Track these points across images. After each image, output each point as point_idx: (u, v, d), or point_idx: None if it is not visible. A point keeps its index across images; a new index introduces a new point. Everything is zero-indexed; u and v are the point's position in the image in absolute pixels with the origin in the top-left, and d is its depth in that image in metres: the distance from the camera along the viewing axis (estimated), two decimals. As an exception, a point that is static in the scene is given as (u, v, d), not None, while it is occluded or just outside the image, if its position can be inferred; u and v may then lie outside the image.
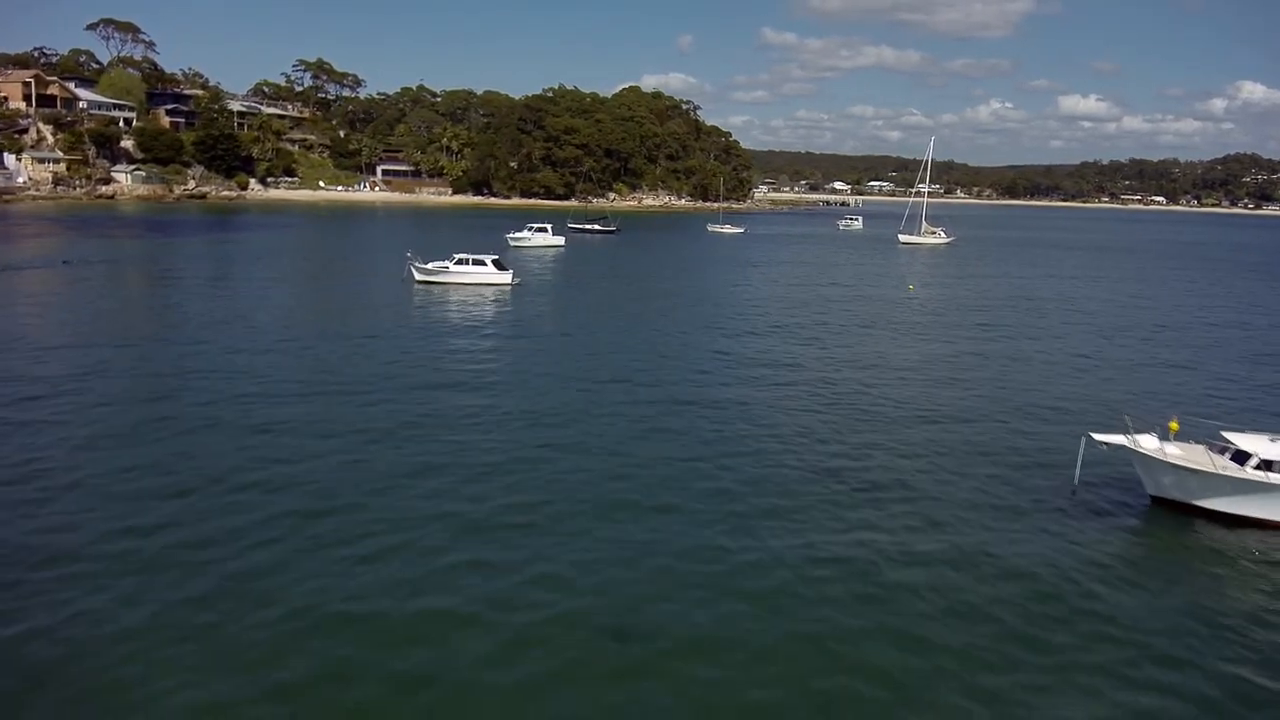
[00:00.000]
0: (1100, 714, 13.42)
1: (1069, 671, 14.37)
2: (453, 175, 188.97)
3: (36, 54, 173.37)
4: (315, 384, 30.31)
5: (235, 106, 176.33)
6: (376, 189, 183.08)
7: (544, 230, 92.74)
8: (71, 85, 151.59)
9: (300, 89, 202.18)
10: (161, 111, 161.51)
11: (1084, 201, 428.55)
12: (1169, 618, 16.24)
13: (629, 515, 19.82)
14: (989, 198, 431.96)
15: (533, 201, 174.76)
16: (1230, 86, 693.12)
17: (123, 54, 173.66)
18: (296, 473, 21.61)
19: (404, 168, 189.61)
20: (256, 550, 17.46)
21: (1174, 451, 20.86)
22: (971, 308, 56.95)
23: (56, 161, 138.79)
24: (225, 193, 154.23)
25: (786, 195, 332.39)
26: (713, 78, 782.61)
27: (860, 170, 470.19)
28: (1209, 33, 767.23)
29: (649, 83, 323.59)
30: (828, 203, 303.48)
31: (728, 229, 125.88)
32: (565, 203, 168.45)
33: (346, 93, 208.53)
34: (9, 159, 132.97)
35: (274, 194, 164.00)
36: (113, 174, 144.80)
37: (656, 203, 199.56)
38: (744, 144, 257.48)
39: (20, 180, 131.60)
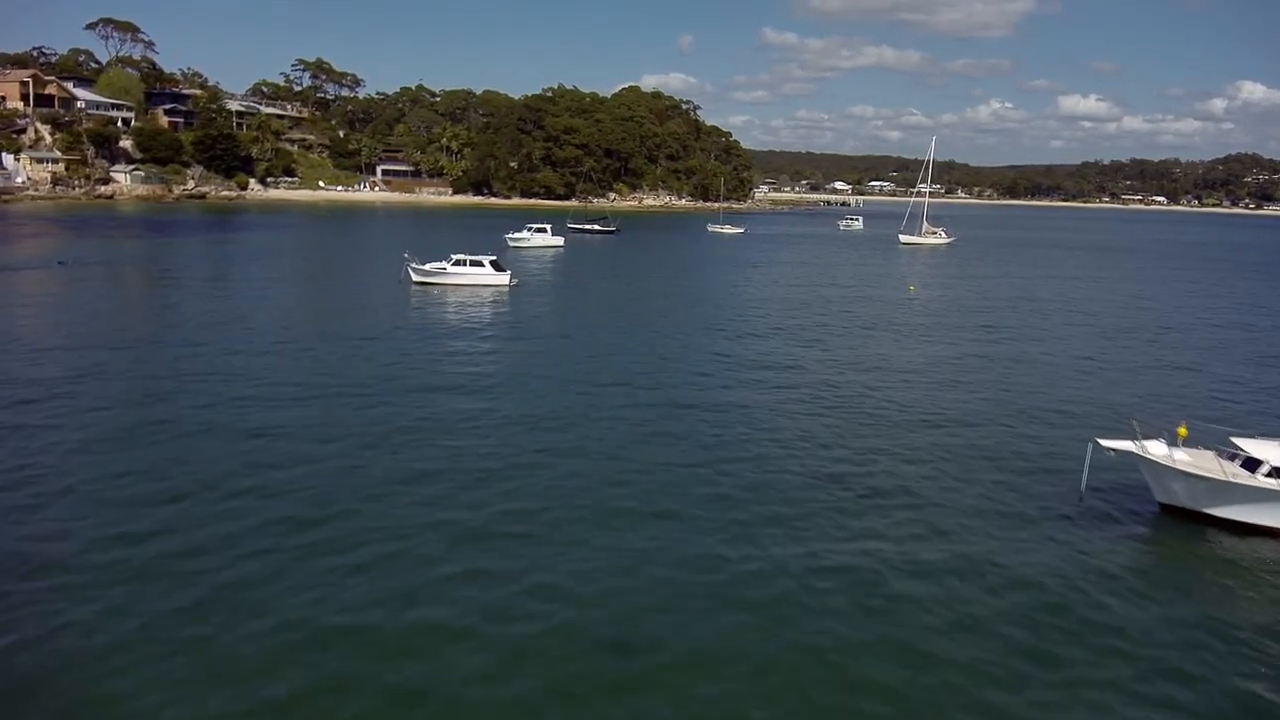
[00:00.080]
0: (1111, 730, 13.12)
1: (1078, 687, 14.05)
2: (452, 175, 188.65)
3: (35, 54, 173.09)
4: (311, 386, 29.99)
5: (234, 106, 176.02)
6: (376, 189, 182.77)
7: (543, 231, 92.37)
8: (70, 85, 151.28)
9: (299, 89, 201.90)
10: (160, 111, 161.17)
11: (1085, 201, 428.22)
12: (1180, 630, 15.91)
13: (628, 522, 19.51)
14: (990, 198, 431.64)
15: (533, 201, 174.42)
16: (1230, 86, 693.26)
17: (121, 54, 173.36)
18: (291, 478, 21.29)
19: (404, 168, 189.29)
20: (250, 559, 17.14)
21: (1183, 458, 20.54)
22: (973, 309, 56.64)
23: (55, 161, 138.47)
24: (224, 193, 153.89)
25: (787, 195, 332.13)
26: (713, 78, 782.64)
27: (861, 170, 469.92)
28: (1209, 33, 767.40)
29: (649, 83, 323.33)
30: (828, 203, 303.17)
31: (728, 229, 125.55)
32: (565, 203, 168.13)
33: (346, 92, 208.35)
34: (7, 159, 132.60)
35: (273, 194, 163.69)
36: (111, 174, 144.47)
37: (657, 203, 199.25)
38: (744, 144, 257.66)
39: (19, 180, 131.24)
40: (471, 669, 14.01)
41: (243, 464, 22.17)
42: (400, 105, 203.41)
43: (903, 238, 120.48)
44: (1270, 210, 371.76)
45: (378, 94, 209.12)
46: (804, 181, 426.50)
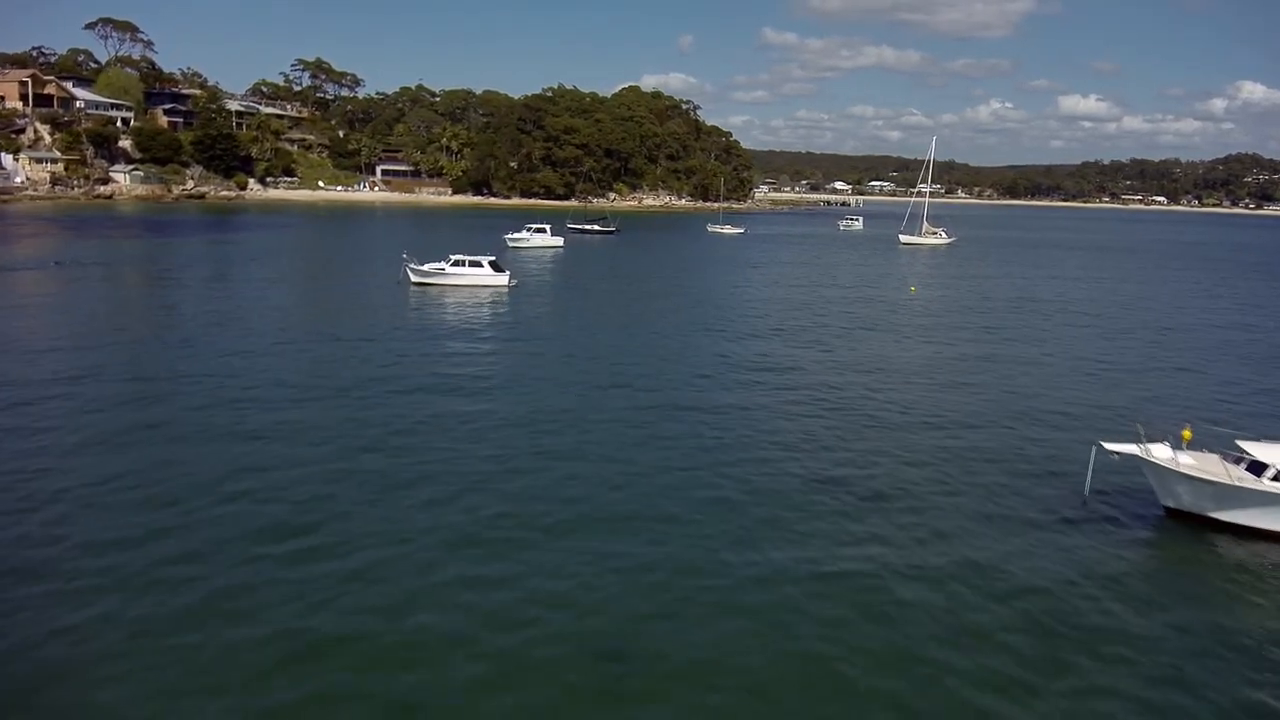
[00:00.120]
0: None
1: (1087, 696, 13.81)
2: (452, 175, 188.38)
3: (35, 53, 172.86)
4: (308, 388, 29.75)
5: (234, 106, 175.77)
6: (376, 189, 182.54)
7: (542, 231, 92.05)
8: (69, 85, 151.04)
9: (299, 89, 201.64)
10: (160, 111, 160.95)
11: (1085, 201, 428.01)
12: (1188, 637, 15.66)
13: (628, 526, 19.26)
14: (990, 198, 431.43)
15: (533, 201, 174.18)
16: (1230, 86, 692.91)
17: (121, 53, 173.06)
18: (286, 482, 21.05)
19: (403, 168, 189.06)
20: (243, 565, 16.89)
21: (1188, 462, 20.30)
22: (974, 310, 56.40)
23: (54, 161, 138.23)
24: (224, 193, 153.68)
25: (787, 195, 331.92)
26: (713, 78, 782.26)
27: (861, 170, 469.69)
28: (1209, 33, 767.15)
29: (649, 83, 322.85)
30: (828, 203, 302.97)
31: (728, 229, 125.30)
32: (565, 203, 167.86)
33: (345, 92, 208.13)
34: (6, 159, 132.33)
35: (273, 194, 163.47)
36: (111, 174, 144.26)
37: (657, 203, 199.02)
38: (744, 144, 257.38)
39: (18, 180, 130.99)
40: (469, 678, 13.78)
41: (237, 467, 21.92)
42: (400, 105, 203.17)
43: (903, 238, 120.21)
44: (1270, 210, 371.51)
45: (377, 94, 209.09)
46: (804, 181, 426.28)
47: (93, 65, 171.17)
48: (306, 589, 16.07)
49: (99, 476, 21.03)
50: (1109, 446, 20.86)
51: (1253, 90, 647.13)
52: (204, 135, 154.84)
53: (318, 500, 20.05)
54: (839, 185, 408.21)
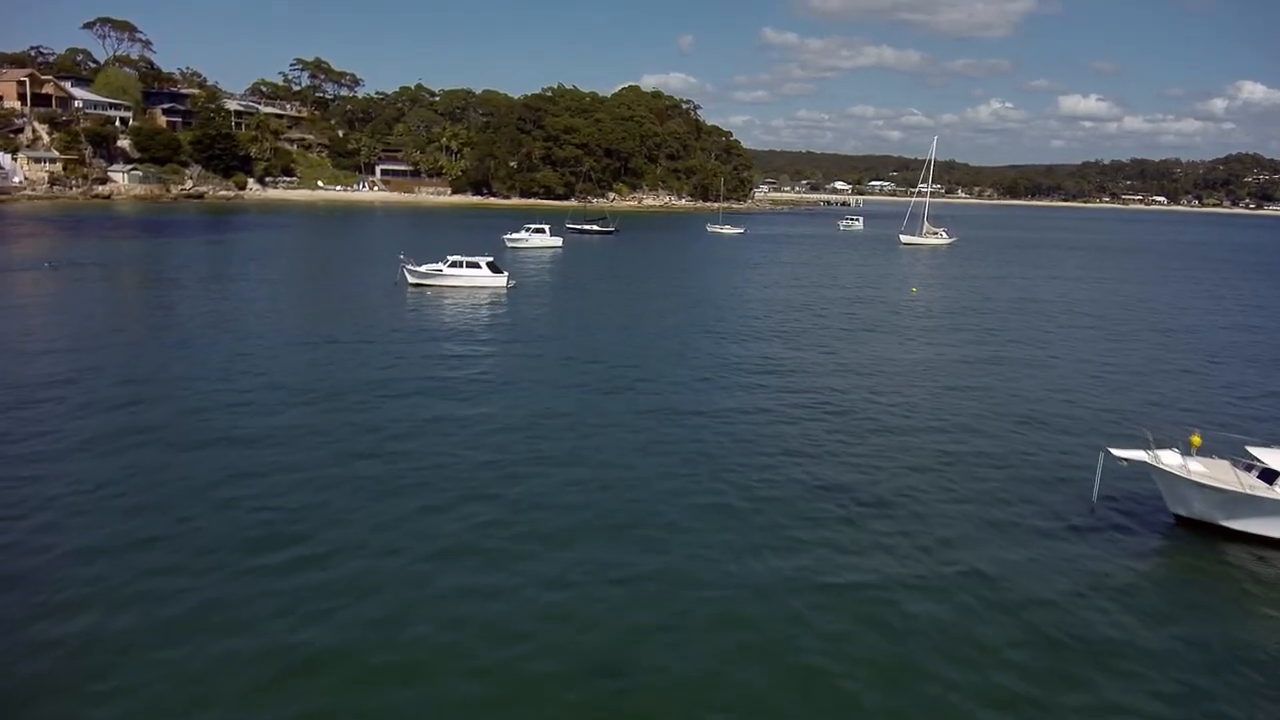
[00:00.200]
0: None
1: (1098, 714, 13.42)
2: (452, 175, 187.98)
3: (33, 53, 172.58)
4: (303, 391, 29.36)
5: (233, 106, 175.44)
6: (375, 189, 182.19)
7: (541, 231, 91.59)
8: (67, 84, 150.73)
9: (298, 88, 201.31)
10: (158, 111, 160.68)
11: (1085, 201, 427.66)
12: (1202, 651, 15.27)
13: (628, 535, 18.86)
14: (990, 197, 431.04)
15: (532, 201, 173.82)
16: (1231, 86, 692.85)
17: (119, 53, 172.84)
18: (280, 489, 20.65)
19: (403, 167, 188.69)
20: (234, 576, 16.49)
21: (1198, 469, 19.90)
22: (976, 311, 56.00)
23: (52, 161, 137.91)
24: (223, 192, 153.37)
25: (787, 195, 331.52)
26: (713, 78, 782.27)
27: (861, 170, 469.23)
28: (1209, 33, 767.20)
29: (649, 82, 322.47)
30: (828, 202, 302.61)
31: (727, 229, 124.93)
32: (565, 203, 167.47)
33: (345, 92, 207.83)
34: (4, 159, 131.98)
35: (272, 194, 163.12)
36: (109, 174, 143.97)
37: (656, 203, 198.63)
38: (745, 144, 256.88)
39: (16, 180, 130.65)
40: (465, 695, 13.40)
41: (231, 473, 21.53)
42: (400, 105, 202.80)
43: (903, 238, 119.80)
44: (1270, 210, 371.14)
45: (377, 94, 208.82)
46: (804, 181, 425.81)
47: (91, 65, 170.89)
48: (299, 601, 15.69)
49: (90, 482, 20.66)
50: (1117, 453, 20.47)
51: (1253, 90, 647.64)
52: (203, 135, 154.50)
53: (311, 508, 19.66)
54: (839, 185, 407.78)
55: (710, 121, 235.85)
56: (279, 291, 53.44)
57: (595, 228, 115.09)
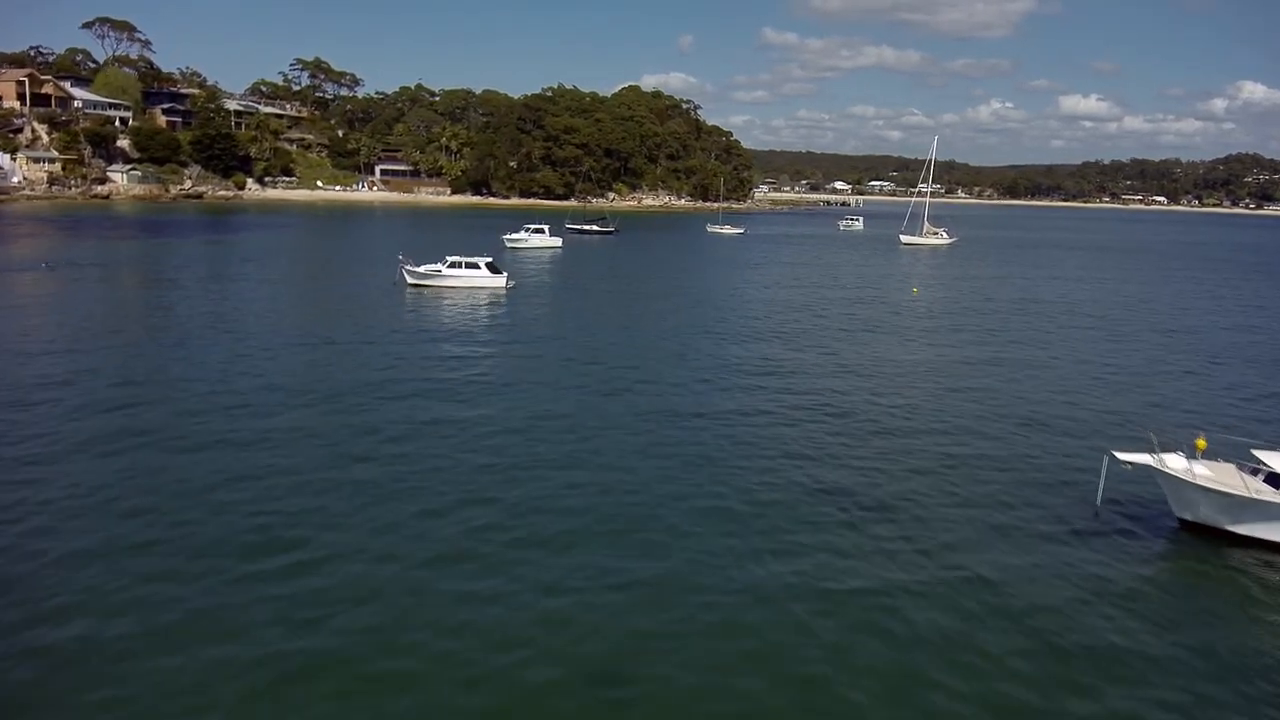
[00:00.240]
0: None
1: (1105, 722, 13.23)
2: (451, 175, 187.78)
3: (33, 53, 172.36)
4: (299, 393, 29.16)
5: (232, 106, 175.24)
6: (375, 189, 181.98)
7: (541, 231, 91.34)
8: (67, 84, 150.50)
9: (298, 88, 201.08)
10: (158, 111, 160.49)
11: (1085, 201, 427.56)
12: (1210, 660, 15.06)
13: (628, 540, 18.66)
14: (990, 198, 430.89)
15: (532, 201, 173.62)
16: (1231, 86, 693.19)
17: (118, 53, 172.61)
18: (276, 492, 20.45)
19: (402, 167, 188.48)
20: (229, 582, 16.27)
21: (1203, 472, 19.70)
22: (978, 311, 55.79)
23: (52, 161, 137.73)
24: (222, 192, 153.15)
25: (787, 195, 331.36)
26: (713, 77, 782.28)
27: (861, 170, 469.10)
28: (1209, 33, 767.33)
29: (649, 82, 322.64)
30: (828, 203, 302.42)
31: (727, 229, 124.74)
32: (565, 203, 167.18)
33: (344, 92, 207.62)
34: (3, 159, 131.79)
35: (271, 194, 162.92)
36: (108, 174, 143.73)
37: (656, 203, 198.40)
38: (745, 144, 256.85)
39: (15, 180, 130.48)
40: (462, 705, 13.21)
41: (226, 476, 21.32)
42: (399, 105, 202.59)
43: (904, 238, 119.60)
44: (1271, 210, 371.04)
45: (377, 94, 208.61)
46: (804, 181, 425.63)
47: (91, 65, 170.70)
48: (296, 606, 15.49)
49: (85, 485, 20.45)
50: (1121, 456, 20.26)
51: (1253, 90, 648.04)
52: (202, 135, 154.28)
53: (309, 511, 19.46)
54: (839, 185, 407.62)
55: (710, 121, 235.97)
56: (277, 292, 53.24)
57: (595, 228, 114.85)
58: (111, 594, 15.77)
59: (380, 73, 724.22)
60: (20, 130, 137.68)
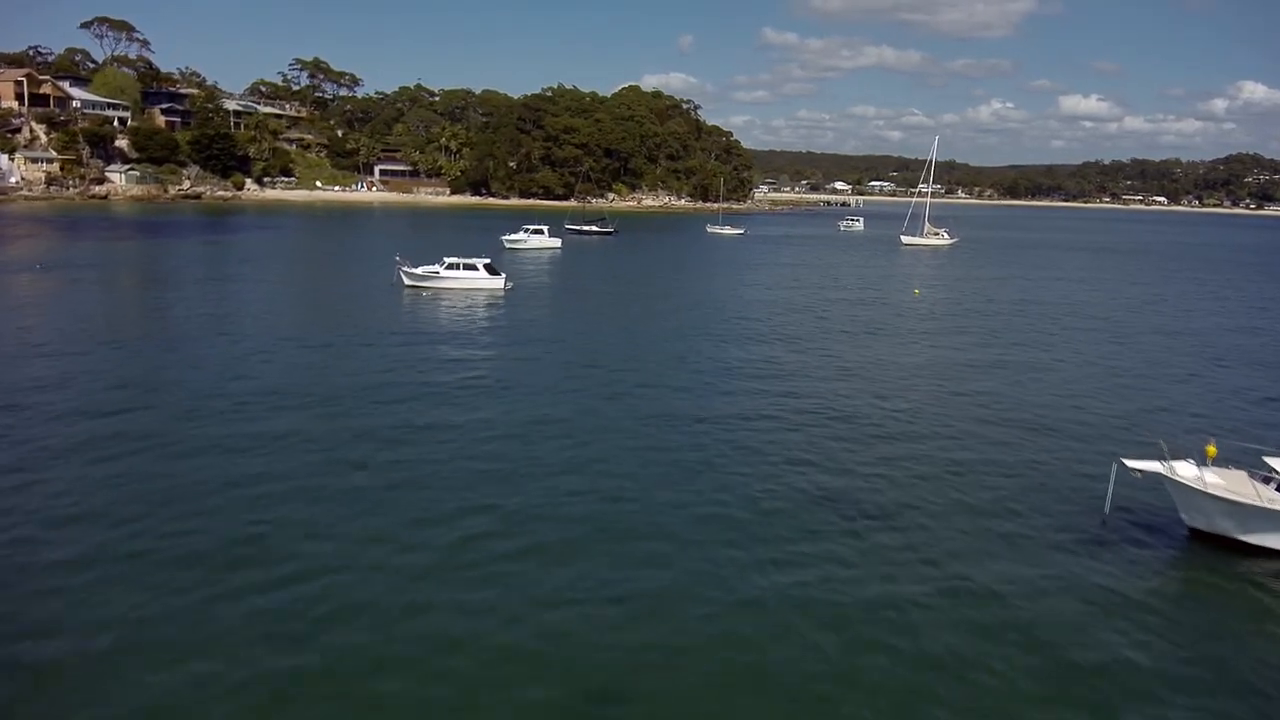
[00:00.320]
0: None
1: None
2: (451, 175, 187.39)
3: (32, 53, 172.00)
4: (294, 396, 28.72)
5: (231, 106, 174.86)
6: (374, 189, 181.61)
7: (540, 232, 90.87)
8: (65, 84, 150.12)
9: (297, 88, 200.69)
10: (157, 111, 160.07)
11: (1085, 202, 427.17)
12: (1226, 674, 14.64)
13: (627, 550, 18.21)
14: (990, 198, 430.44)
15: (531, 202, 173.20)
16: (1231, 87, 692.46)
17: (117, 53, 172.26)
18: (267, 499, 20.01)
19: (402, 168, 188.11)
20: (214, 595, 15.80)
21: (1214, 480, 19.26)
22: (980, 313, 55.37)
23: (50, 161, 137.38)
24: (221, 193, 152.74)
25: (787, 195, 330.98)
26: (713, 77, 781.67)
27: (861, 170, 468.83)
28: (1210, 33, 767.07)
29: (649, 82, 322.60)
30: (828, 203, 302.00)
31: (727, 230, 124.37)
32: (564, 203, 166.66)
33: (344, 92, 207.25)
34: (1, 159, 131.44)
35: (270, 194, 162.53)
36: (107, 174, 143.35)
37: (656, 203, 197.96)
38: (746, 144, 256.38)
39: (13, 180, 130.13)
40: (451, 723, 12.79)
41: (218, 482, 20.88)
42: (399, 105, 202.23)
43: (904, 239, 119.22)
44: (1271, 210, 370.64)
45: (376, 94, 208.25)
46: (804, 181, 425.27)
47: (90, 65, 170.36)
48: (286, 621, 15.05)
49: (74, 492, 20.02)
50: (1131, 464, 19.82)
51: (1254, 90, 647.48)
52: (201, 135, 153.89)
53: (301, 521, 19.02)
54: (839, 185, 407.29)
55: (710, 121, 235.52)
56: (274, 294, 52.81)
57: (594, 228, 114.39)
58: (98, 607, 15.34)
59: (380, 73, 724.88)
60: (18, 130, 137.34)
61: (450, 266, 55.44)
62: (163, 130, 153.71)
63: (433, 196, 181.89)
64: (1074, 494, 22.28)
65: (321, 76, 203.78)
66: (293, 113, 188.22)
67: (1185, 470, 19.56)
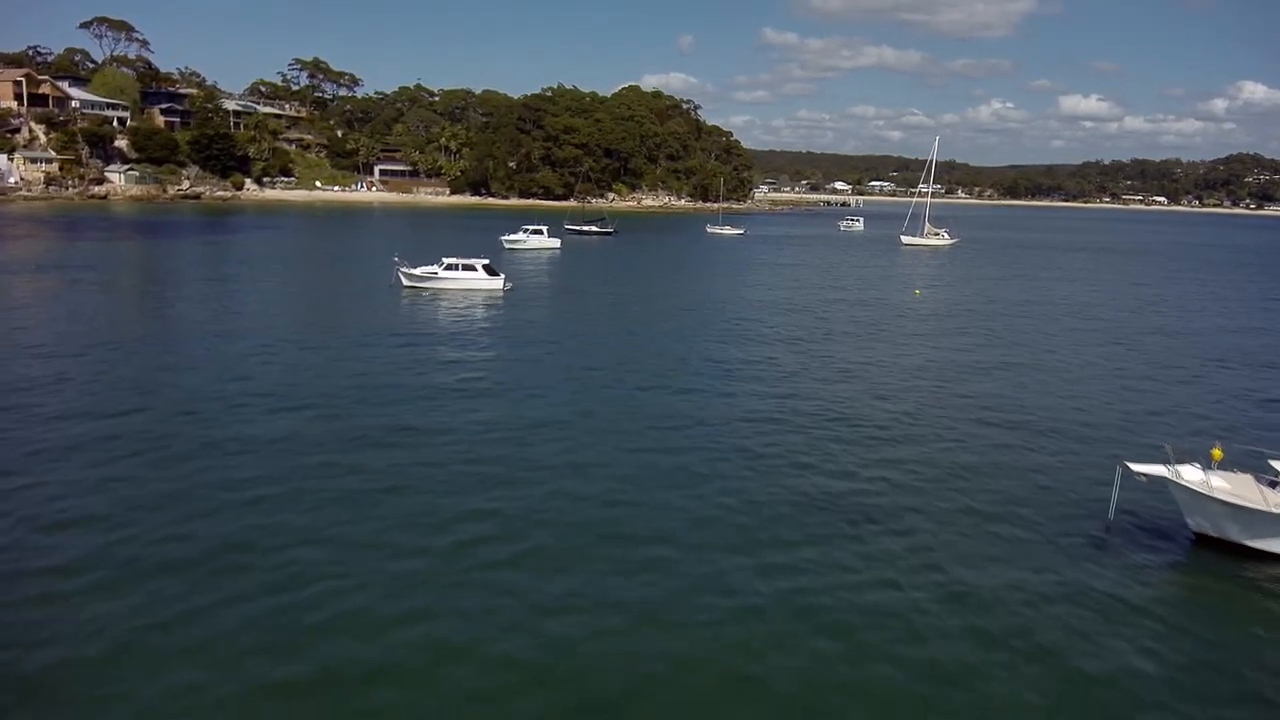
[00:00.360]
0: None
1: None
2: (450, 175, 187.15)
3: (31, 53, 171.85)
4: (289, 398, 28.46)
5: (231, 105, 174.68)
6: (374, 189, 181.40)
7: (539, 232, 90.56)
8: (65, 84, 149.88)
9: (297, 88, 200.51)
10: (156, 111, 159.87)
11: (1085, 202, 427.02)
12: (1236, 681, 14.40)
13: (627, 557, 17.94)
14: (990, 198, 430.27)
15: (531, 202, 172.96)
16: (1231, 87, 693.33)
17: (116, 53, 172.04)
18: (259, 503, 19.74)
19: (401, 168, 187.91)
20: (205, 605, 15.54)
21: (1220, 485, 19.00)
22: (982, 314, 55.12)
23: (49, 161, 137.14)
24: (220, 193, 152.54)
25: (787, 195, 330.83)
26: (713, 77, 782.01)
27: (861, 170, 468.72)
28: (1210, 33, 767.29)
29: (649, 82, 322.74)
30: (828, 203, 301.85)
31: (727, 230, 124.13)
32: (564, 203, 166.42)
33: (343, 92, 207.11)
34: (0, 159, 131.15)
35: (270, 194, 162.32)
36: (106, 174, 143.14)
37: (656, 203, 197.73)
38: (746, 144, 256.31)
39: (12, 181, 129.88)
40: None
41: (208, 488, 20.62)
42: (399, 105, 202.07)
43: (905, 239, 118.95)
44: (1271, 210, 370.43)
45: (376, 93, 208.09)
46: (804, 181, 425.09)
47: (89, 65, 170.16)
48: (278, 631, 14.76)
49: (62, 497, 19.73)
50: (1135, 468, 19.57)
51: (1254, 90, 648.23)
52: (201, 135, 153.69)
53: (293, 525, 18.76)
54: (839, 185, 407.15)
55: (710, 121, 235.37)
56: (271, 295, 52.55)
57: (594, 229, 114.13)
58: (87, 614, 15.07)
59: (379, 73, 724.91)
60: (17, 130, 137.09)
61: (449, 267, 55.16)
62: (162, 130, 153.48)
63: (432, 197, 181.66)
64: (1078, 497, 22.04)
65: (321, 76, 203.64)
66: (292, 113, 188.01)
67: (1191, 474, 19.30)
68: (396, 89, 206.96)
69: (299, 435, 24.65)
